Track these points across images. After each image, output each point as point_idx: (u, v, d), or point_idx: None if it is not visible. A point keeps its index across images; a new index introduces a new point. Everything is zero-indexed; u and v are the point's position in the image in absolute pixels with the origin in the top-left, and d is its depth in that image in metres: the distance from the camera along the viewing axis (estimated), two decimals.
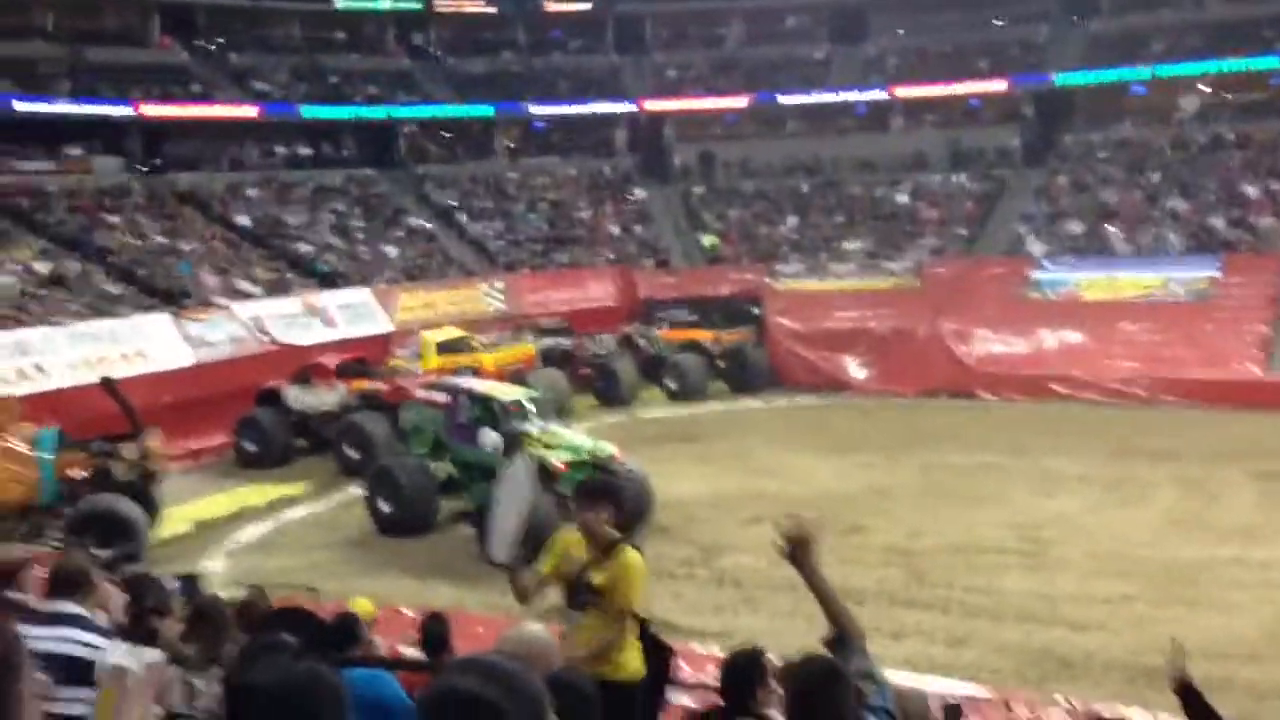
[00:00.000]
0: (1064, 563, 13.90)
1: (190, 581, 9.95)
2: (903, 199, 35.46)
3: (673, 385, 26.51)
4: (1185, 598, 12.41)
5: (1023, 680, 10.32)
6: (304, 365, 21.87)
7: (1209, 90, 35.72)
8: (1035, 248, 30.63)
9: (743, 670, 4.83)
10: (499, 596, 13.38)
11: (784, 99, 39.84)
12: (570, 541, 5.48)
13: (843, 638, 3.50)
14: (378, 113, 38.10)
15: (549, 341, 26.56)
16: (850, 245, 33.18)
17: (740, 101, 40.45)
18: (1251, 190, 30.20)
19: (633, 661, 5.39)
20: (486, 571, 14.47)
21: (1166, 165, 32.95)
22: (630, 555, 5.37)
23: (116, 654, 3.46)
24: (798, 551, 3.63)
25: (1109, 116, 36.39)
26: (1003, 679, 10.19)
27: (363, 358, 22.96)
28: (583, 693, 2.71)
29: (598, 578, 5.29)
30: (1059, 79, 36.42)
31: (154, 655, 4.54)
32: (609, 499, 5.42)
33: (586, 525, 5.32)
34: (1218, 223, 29.43)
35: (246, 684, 2.07)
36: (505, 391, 17.30)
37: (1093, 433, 21.07)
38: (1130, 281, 27.62)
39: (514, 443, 15.46)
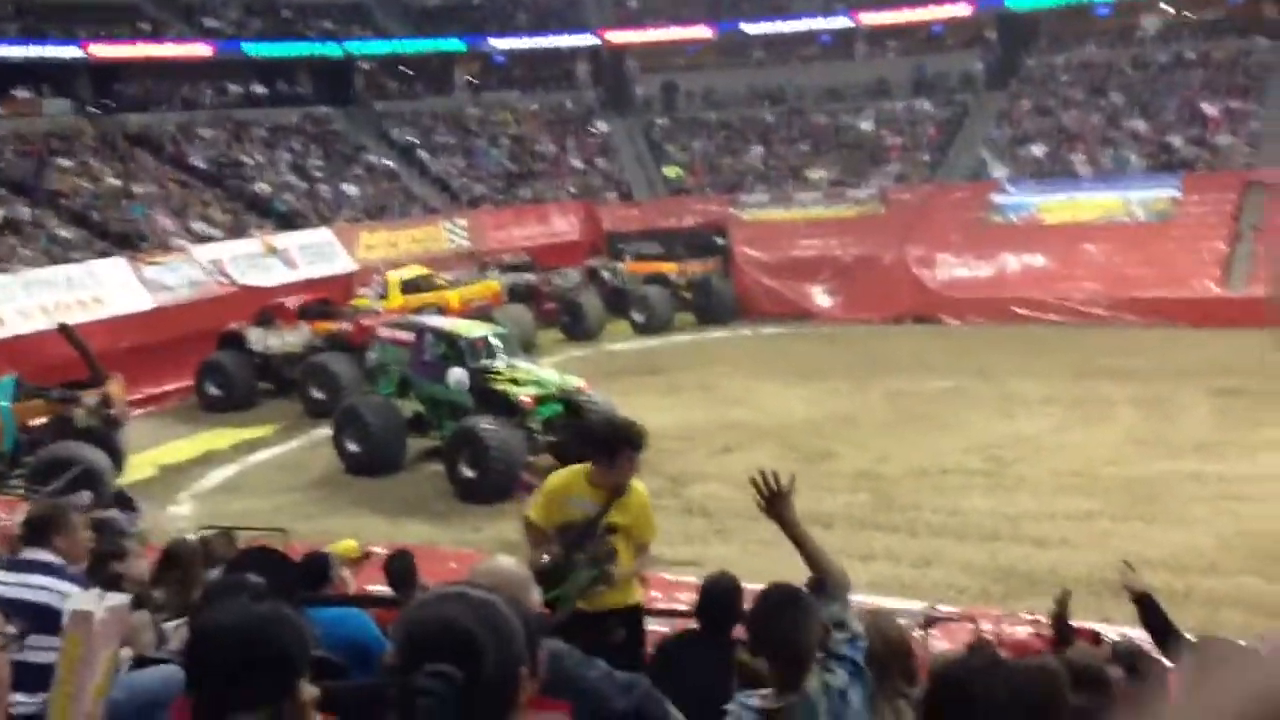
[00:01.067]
0: (1027, 482, 14.11)
1: (124, 500, 9.96)
2: (867, 126, 35.30)
3: (639, 318, 26.50)
4: (1145, 513, 12.64)
5: (988, 598, 10.49)
6: (266, 307, 21.65)
7: (1170, 10, 35.64)
8: (998, 172, 30.65)
9: (720, 596, 4.88)
10: (470, 532, 13.49)
11: (747, 27, 39.37)
12: (562, 488, 5.42)
13: (823, 583, 3.52)
14: (333, 49, 37.33)
15: (513, 277, 26.41)
16: (815, 174, 33.07)
17: (703, 31, 39.94)
18: (1210, 108, 30.27)
19: (640, 586, 5.68)
20: (457, 508, 14.59)
21: (1128, 85, 32.93)
22: (643, 491, 5.46)
23: (79, 599, 3.43)
24: (774, 504, 3.64)
25: (1072, 38, 36.24)
26: (969, 597, 10.37)
27: (326, 298, 22.76)
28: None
29: (620, 518, 5.29)
30: (1024, 1, 36.16)
31: (117, 599, 4.51)
32: (631, 448, 5.31)
33: (612, 475, 5.27)
34: (1177, 141, 29.52)
35: (206, 625, 2.06)
36: (471, 328, 17.27)
37: (1055, 354, 21.28)
38: (1091, 203, 27.73)
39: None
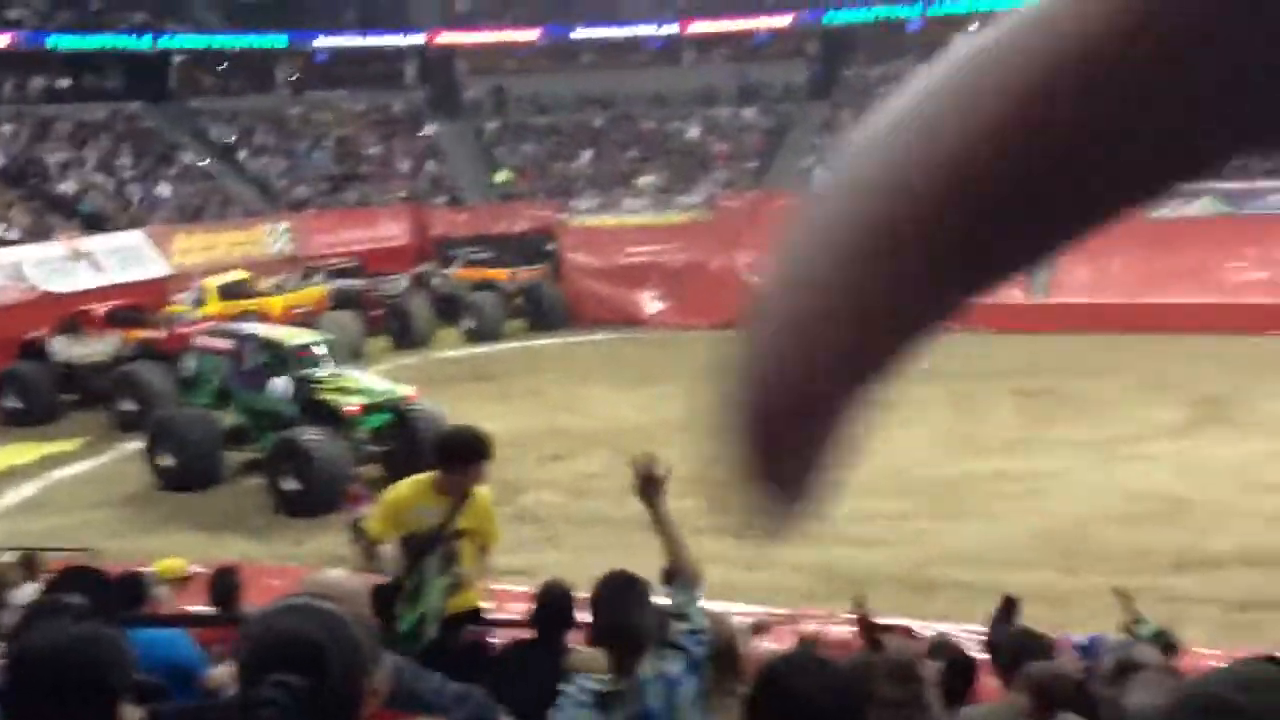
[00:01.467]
0: (846, 484, 14.53)
1: None
2: (694, 133, 35.94)
3: (469, 325, 26.27)
4: (956, 511, 13.26)
5: (814, 598, 10.80)
6: (71, 314, 20.59)
7: (981, 27, 37.44)
8: (821, 180, 31.56)
9: (553, 603, 4.91)
10: (292, 546, 13.11)
11: (577, 33, 39.54)
12: (407, 499, 5.39)
13: (674, 574, 3.65)
14: (143, 43, 35.66)
15: (340, 283, 25.77)
16: (644, 180, 33.46)
17: (533, 34, 39.90)
18: None
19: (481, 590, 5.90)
20: (278, 523, 14.16)
21: None
22: (486, 494, 5.53)
23: None
24: (648, 487, 3.79)
25: (888, 52, 37.76)
26: (798, 598, 10.66)
27: (137, 304, 21.78)
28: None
29: (467, 522, 5.30)
30: (832, 16, 37.44)
31: None
32: (483, 458, 5.32)
33: (463, 484, 5.26)
34: None
35: (26, 648, 2.00)
36: (294, 336, 16.82)
37: None
38: None
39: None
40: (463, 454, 5.33)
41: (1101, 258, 25.38)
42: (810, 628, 9.57)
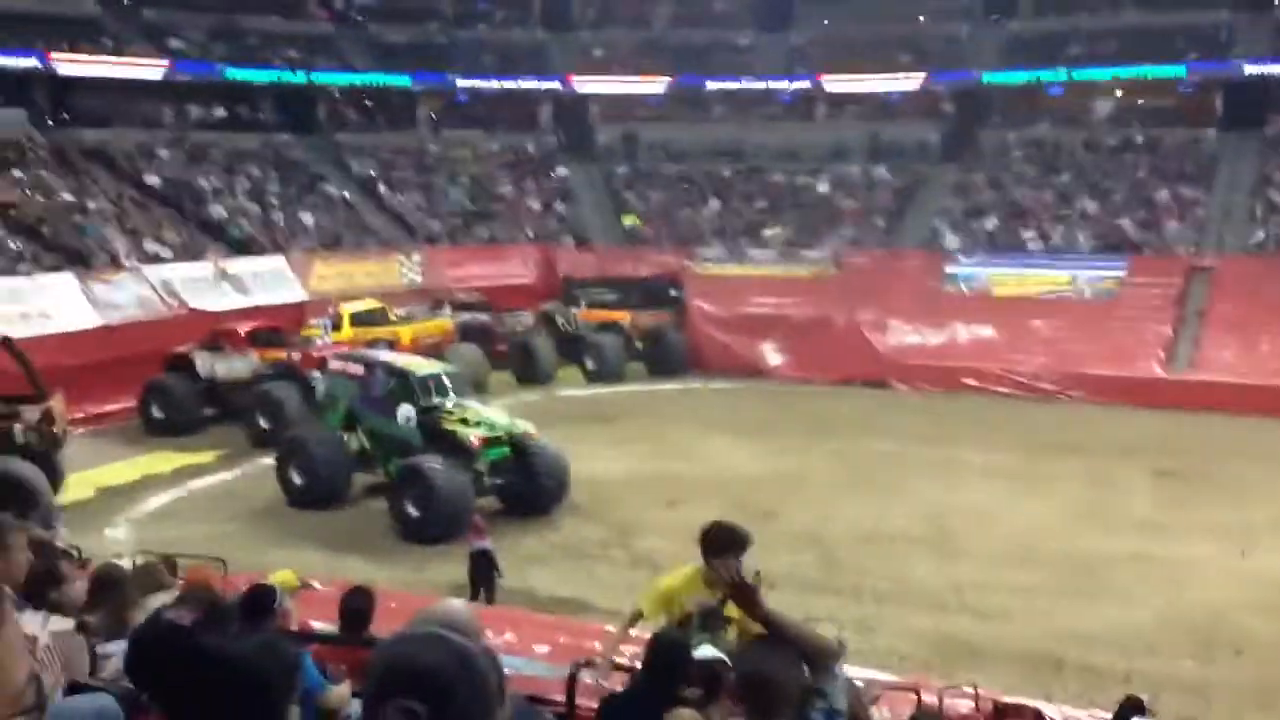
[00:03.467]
0: (971, 552, 14.20)
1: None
2: (823, 189, 35.80)
3: (591, 365, 26.48)
4: (1086, 589, 12.78)
5: (930, 668, 10.50)
6: (215, 331, 21.38)
7: (1121, 95, 36.66)
8: (950, 241, 31.19)
9: (666, 653, 4.85)
10: (411, 572, 13.31)
11: (709, 84, 39.88)
12: (681, 587, 5.52)
13: (811, 658, 3.59)
14: (298, 77, 37.20)
15: (467, 317, 26.31)
16: (770, 232, 33.43)
17: (664, 84, 40.39)
18: (1159, 195, 31.12)
19: None
20: (400, 547, 14.39)
21: (1079, 166, 33.76)
22: None
23: (25, 623, 3.32)
24: (742, 597, 3.70)
25: (1025, 116, 37.14)
26: (912, 666, 10.37)
27: (276, 326, 22.52)
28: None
29: (728, 611, 5.30)
30: (983, 77, 37.00)
31: (62, 624, 4.37)
32: (745, 550, 5.35)
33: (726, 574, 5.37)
34: (1126, 224, 30.26)
35: (205, 651, 2.02)
36: (422, 365, 17.13)
37: (1002, 425, 21.56)
38: (1040, 278, 28.30)
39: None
40: (731, 546, 5.44)
41: (1249, 336, 24.47)
42: (929, 699, 9.31)
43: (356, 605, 6.38)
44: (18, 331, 18.40)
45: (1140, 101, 36.42)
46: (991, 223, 31.76)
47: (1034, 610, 12.07)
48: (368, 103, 40.08)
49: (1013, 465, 18.58)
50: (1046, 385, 24.64)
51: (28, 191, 27.60)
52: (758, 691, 3.36)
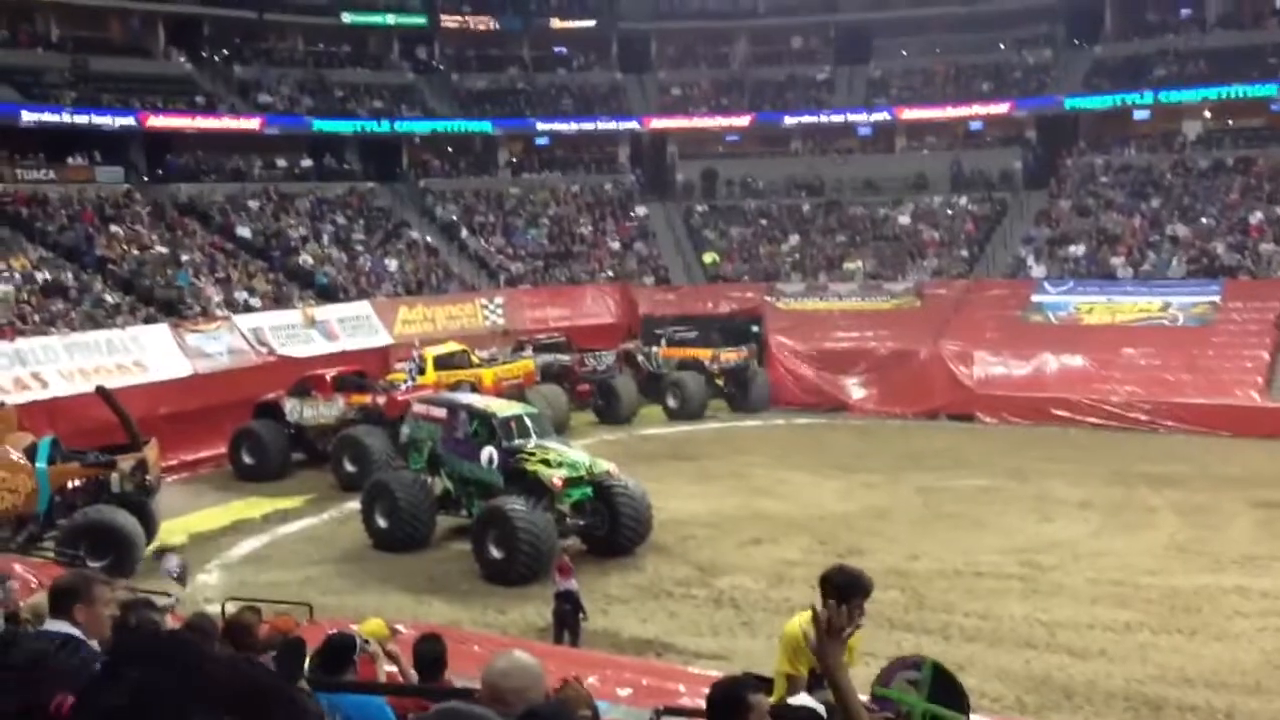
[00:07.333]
0: (1064, 589, 13.80)
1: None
2: (904, 220, 35.46)
3: (672, 403, 26.47)
4: (1186, 626, 12.31)
5: (1023, 708, 10.21)
6: (303, 377, 21.80)
7: (1211, 116, 35.74)
8: (1036, 270, 30.63)
9: (724, 700, 4.76)
10: (494, 614, 13.35)
11: (788, 119, 39.89)
12: (802, 635, 5.40)
13: None
14: (382, 126, 38.12)
15: (548, 358, 26.48)
16: (851, 265, 33.17)
17: (743, 121, 40.51)
18: (1253, 216, 30.22)
19: None
20: (482, 589, 14.45)
21: (1168, 190, 32.97)
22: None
23: None
24: (825, 639, 3.48)
25: (1111, 140, 36.44)
26: (1003, 707, 10.09)
27: (361, 371, 22.91)
28: None
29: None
30: (1066, 102, 36.42)
31: None
32: (867, 590, 5.33)
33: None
34: (1219, 248, 29.43)
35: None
36: (504, 407, 17.23)
37: (1093, 457, 21.00)
38: (1130, 306, 27.62)
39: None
40: (855, 591, 5.40)
41: None
42: None
43: (431, 653, 6.41)
44: (114, 382, 18.98)
45: (1230, 122, 35.47)
46: (1079, 250, 31.12)
47: (1131, 649, 11.66)
48: (449, 149, 40.85)
49: (1105, 498, 18.06)
50: (1139, 415, 23.96)
51: (125, 246, 28.61)
52: None
